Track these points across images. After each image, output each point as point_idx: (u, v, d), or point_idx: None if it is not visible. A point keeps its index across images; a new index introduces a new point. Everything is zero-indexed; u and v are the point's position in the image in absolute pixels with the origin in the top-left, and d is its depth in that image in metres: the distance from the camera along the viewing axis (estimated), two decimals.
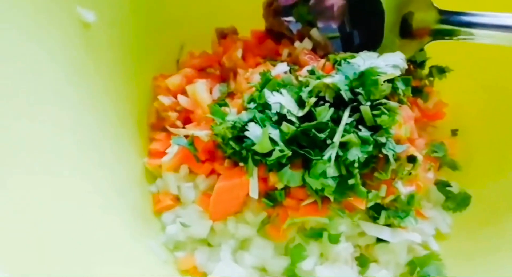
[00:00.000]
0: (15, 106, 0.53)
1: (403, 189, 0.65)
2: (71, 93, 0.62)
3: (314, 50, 0.77)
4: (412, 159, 0.66)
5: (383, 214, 0.64)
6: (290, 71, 0.72)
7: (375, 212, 0.65)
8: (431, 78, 0.80)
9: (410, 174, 0.66)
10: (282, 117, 0.62)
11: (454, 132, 0.83)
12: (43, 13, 0.57)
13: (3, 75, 0.52)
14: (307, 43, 0.77)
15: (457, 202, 0.75)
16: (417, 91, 0.78)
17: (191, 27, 0.81)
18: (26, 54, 0.55)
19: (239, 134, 0.62)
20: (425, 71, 0.80)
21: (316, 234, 0.64)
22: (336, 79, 0.62)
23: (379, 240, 0.66)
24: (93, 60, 0.66)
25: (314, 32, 0.77)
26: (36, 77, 0.56)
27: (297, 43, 0.78)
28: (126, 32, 0.71)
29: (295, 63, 0.76)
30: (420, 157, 0.66)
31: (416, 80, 0.79)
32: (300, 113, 0.62)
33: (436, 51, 0.77)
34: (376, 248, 0.67)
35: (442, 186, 0.76)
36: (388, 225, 0.66)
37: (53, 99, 0.58)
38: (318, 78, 0.64)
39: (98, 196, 0.62)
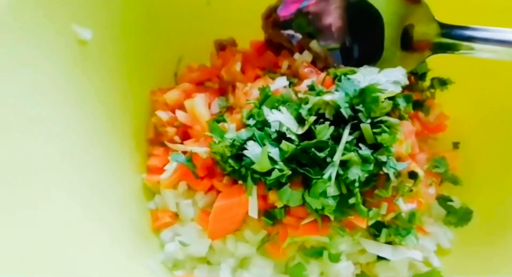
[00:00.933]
0: (10, 123, 0.52)
1: (404, 206, 0.64)
2: (68, 110, 0.62)
3: (314, 62, 0.76)
4: (413, 175, 0.65)
5: (384, 231, 0.64)
6: (289, 86, 0.71)
7: (376, 230, 0.64)
8: (433, 90, 0.79)
9: (411, 190, 0.65)
10: (281, 135, 0.61)
11: (455, 145, 0.82)
12: (40, 31, 0.57)
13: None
14: (307, 56, 0.76)
15: (459, 216, 0.74)
16: (418, 104, 0.77)
17: (189, 39, 0.81)
18: (24, 71, 0.54)
19: (238, 152, 0.61)
20: (427, 83, 0.79)
21: (317, 252, 0.63)
22: (336, 96, 0.61)
23: (380, 258, 0.66)
24: (90, 77, 0.65)
25: (313, 44, 0.77)
26: (33, 95, 0.55)
27: (296, 55, 0.77)
28: (123, 48, 0.70)
29: (294, 76, 0.75)
30: (421, 173, 0.65)
31: (417, 93, 0.78)
32: (300, 131, 0.61)
33: (437, 63, 0.76)
34: (377, 266, 0.66)
35: (443, 200, 0.75)
36: (389, 243, 0.65)
37: (50, 117, 0.58)
38: (318, 94, 0.63)
39: (95, 213, 0.61)
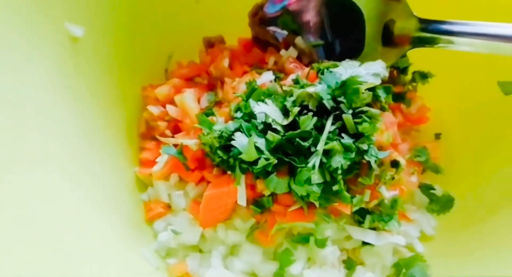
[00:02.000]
0: (6, 118, 0.54)
1: (387, 194, 0.67)
2: (61, 105, 0.63)
3: (299, 58, 0.79)
4: (395, 164, 0.68)
5: (368, 218, 0.66)
6: (275, 80, 0.74)
7: (360, 216, 0.67)
8: (414, 84, 0.82)
9: (393, 178, 0.68)
10: (267, 126, 0.63)
11: (437, 136, 0.85)
12: (33, 29, 0.59)
13: None
14: (292, 52, 0.79)
15: (441, 204, 0.77)
16: (400, 97, 0.80)
17: (179, 37, 0.83)
18: (16, 68, 0.56)
19: (226, 143, 0.64)
20: (408, 76, 0.82)
21: (303, 238, 0.66)
22: (318, 88, 0.64)
23: (364, 243, 0.68)
24: (82, 73, 0.67)
25: (298, 40, 0.79)
26: (25, 90, 0.57)
27: (282, 52, 0.80)
28: (114, 45, 0.73)
29: (281, 71, 0.78)
30: (403, 162, 0.68)
31: (399, 86, 0.81)
32: (285, 122, 0.64)
33: (418, 57, 0.79)
34: (362, 251, 0.69)
35: (426, 189, 0.78)
36: (373, 229, 0.68)
37: (42, 111, 0.60)
38: (302, 87, 0.66)
39: (90, 204, 0.63)
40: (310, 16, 0.76)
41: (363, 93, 0.63)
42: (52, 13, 0.61)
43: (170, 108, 0.74)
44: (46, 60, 0.61)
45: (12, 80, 0.56)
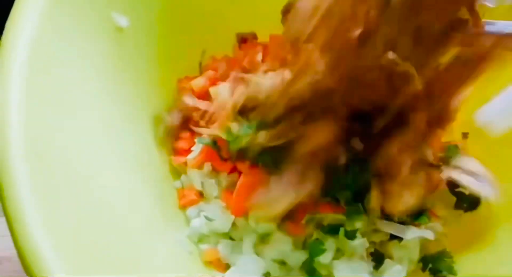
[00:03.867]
0: (52, 109, 0.57)
1: None
2: (103, 94, 0.66)
3: None
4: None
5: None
6: None
7: None
8: None
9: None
10: None
11: (465, 136, 0.86)
12: (82, 18, 0.61)
13: (44, 77, 0.56)
14: None
15: (468, 202, 0.78)
16: None
17: (213, 32, 0.85)
18: (67, 57, 0.59)
19: None
20: None
21: (333, 230, 0.67)
22: None
23: (393, 237, 0.69)
24: (124, 63, 0.70)
25: None
26: (77, 78, 0.60)
27: None
28: (154, 37, 0.75)
29: None
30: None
31: None
32: None
33: None
34: (390, 245, 0.70)
35: (453, 187, 0.79)
36: (402, 223, 0.69)
37: (89, 100, 0.62)
38: None
39: (128, 192, 0.66)
40: None
41: None
42: (99, 2, 0.64)
43: (202, 103, 0.76)
44: (94, 50, 0.64)
45: (63, 69, 0.58)
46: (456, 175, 0.67)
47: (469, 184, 0.66)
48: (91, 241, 0.53)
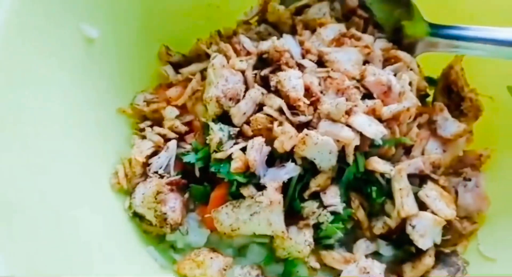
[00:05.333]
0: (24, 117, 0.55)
1: None
2: (74, 103, 0.65)
3: None
4: None
5: None
6: None
7: None
8: None
9: None
10: None
11: None
12: (51, 29, 0.60)
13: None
14: None
15: None
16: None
17: (193, 38, 0.83)
18: (35, 67, 0.58)
19: None
20: None
21: None
22: None
23: None
24: (95, 74, 0.68)
25: None
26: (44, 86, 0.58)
27: None
28: (125, 46, 0.74)
29: None
30: None
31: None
32: None
33: (427, 62, 0.79)
34: None
35: None
36: None
37: (59, 110, 0.61)
38: None
39: (101, 199, 0.65)
40: None
41: None
42: (68, 14, 0.63)
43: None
44: (62, 61, 0.62)
45: (33, 81, 0.57)
46: None
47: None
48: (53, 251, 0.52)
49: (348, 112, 0.63)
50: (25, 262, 0.48)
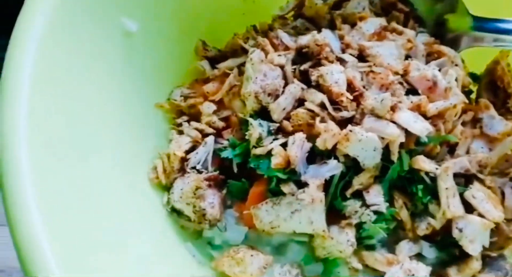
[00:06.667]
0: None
1: None
2: (113, 100, 0.65)
3: None
4: None
5: None
6: None
7: None
8: None
9: None
10: None
11: None
12: (91, 23, 0.60)
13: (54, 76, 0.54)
14: None
15: None
16: None
17: (227, 34, 0.82)
18: (78, 59, 0.58)
19: None
20: None
21: None
22: None
23: None
24: (133, 67, 0.68)
25: None
26: (82, 81, 0.58)
27: None
28: (163, 41, 0.73)
29: None
30: None
31: None
32: None
33: (470, 58, 0.76)
34: None
35: None
36: None
37: (96, 104, 0.61)
38: None
39: (138, 196, 0.64)
40: None
41: None
42: (108, 8, 0.63)
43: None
44: (101, 55, 0.62)
45: (75, 72, 0.57)
46: None
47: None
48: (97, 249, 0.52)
49: (393, 108, 0.61)
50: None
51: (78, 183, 0.54)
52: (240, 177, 0.67)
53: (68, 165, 0.53)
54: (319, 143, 0.60)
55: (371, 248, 0.64)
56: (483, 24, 0.71)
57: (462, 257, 0.64)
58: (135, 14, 0.67)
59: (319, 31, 0.72)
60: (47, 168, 0.49)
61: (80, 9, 0.57)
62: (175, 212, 0.66)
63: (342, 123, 0.61)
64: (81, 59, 0.58)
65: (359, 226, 0.62)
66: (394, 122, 0.60)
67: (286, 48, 0.72)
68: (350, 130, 0.59)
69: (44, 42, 0.52)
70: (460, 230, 0.61)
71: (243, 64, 0.72)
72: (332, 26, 0.75)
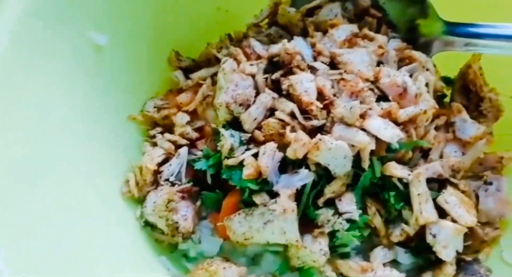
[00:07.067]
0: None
1: None
2: (83, 111, 0.64)
3: None
4: None
5: None
6: None
7: None
8: None
9: None
10: None
11: None
12: (58, 37, 0.60)
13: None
14: None
15: None
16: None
17: (199, 43, 0.82)
18: (41, 75, 0.57)
19: None
20: None
21: None
22: None
23: None
24: (103, 80, 0.68)
25: None
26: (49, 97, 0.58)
27: None
28: (135, 52, 0.73)
29: None
30: None
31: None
32: None
33: (442, 62, 0.77)
34: None
35: None
36: None
37: (63, 118, 0.60)
38: None
39: (111, 210, 0.64)
40: None
41: None
42: (76, 22, 0.62)
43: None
44: (70, 68, 0.62)
45: (37, 87, 0.57)
46: None
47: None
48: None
49: (362, 116, 0.61)
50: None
51: (43, 199, 0.54)
52: (215, 188, 0.67)
53: (29, 183, 0.52)
54: (290, 153, 0.60)
55: (346, 256, 0.64)
56: (454, 29, 0.71)
57: (438, 262, 0.64)
58: (104, 27, 0.67)
59: (293, 38, 0.72)
60: (6, 188, 0.48)
61: (43, 24, 0.57)
62: (149, 226, 0.65)
63: (313, 132, 0.61)
64: (47, 73, 0.58)
65: (332, 235, 0.62)
66: (364, 129, 0.60)
67: (259, 57, 0.72)
68: (320, 139, 0.59)
69: (4, 59, 0.52)
70: (434, 236, 0.62)
71: (216, 73, 0.72)
72: (305, 34, 0.76)
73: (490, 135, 0.72)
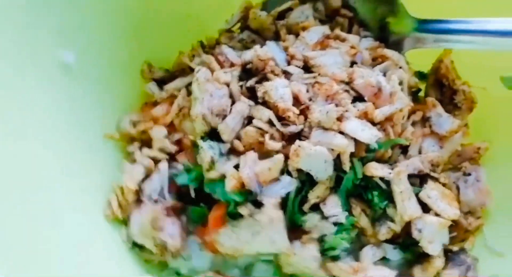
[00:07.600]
0: None
1: None
2: (58, 129, 0.62)
3: None
4: None
5: None
6: None
7: None
8: None
9: None
10: None
11: None
12: (23, 57, 0.58)
13: None
14: None
15: None
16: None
17: (173, 53, 0.81)
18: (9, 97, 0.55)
19: None
20: None
21: None
22: None
23: None
24: (75, 98, 0.66)
25: None
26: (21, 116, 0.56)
27: None
28: (106, 68, 0.71)
29: None
30: None
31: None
32: None
33: (416, 57, 0.77)
34: None
35: None
36: None
37: (39, 139, 0.58)
38: None
39: (97, 234, 0.63)
40: None
41: None
42: (41, 40, 0.60)
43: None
44: (39, 88, 0.60)
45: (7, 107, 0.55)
46: None
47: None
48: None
49: (339, 119, 0.61)
50: None
51: (23, 225, 0.52)
52: (199, 201, 0.66)
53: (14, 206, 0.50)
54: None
55: (336, 258, 0.64)
56: (424, 26, 0.72)
57: (426, 255, 0.65)
58: (70, 44, 0.65)
59: (265, 43, 0.72)
60: None
61: (8, 45, 0.55)
62: (137, 247, 0.64)
63: (292, 138, 0.61)
64: (14, 93, 0.56)
65: (321, 239, 0.62)
66: (342, 132, 0.60)
67: (232, 64, 0.71)
68: (299, 146, 0.59)
69: None
70: (420, 231, 0.62)
71: (191, 83, 0.71)
72: (278, 37, 0.75)
73: (465, 127, 0.73)
